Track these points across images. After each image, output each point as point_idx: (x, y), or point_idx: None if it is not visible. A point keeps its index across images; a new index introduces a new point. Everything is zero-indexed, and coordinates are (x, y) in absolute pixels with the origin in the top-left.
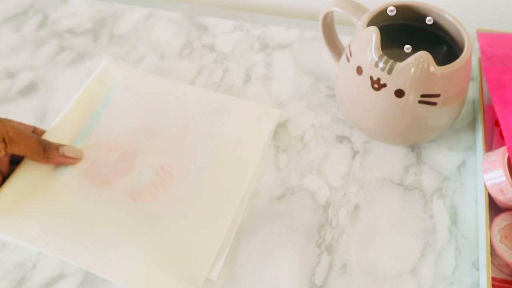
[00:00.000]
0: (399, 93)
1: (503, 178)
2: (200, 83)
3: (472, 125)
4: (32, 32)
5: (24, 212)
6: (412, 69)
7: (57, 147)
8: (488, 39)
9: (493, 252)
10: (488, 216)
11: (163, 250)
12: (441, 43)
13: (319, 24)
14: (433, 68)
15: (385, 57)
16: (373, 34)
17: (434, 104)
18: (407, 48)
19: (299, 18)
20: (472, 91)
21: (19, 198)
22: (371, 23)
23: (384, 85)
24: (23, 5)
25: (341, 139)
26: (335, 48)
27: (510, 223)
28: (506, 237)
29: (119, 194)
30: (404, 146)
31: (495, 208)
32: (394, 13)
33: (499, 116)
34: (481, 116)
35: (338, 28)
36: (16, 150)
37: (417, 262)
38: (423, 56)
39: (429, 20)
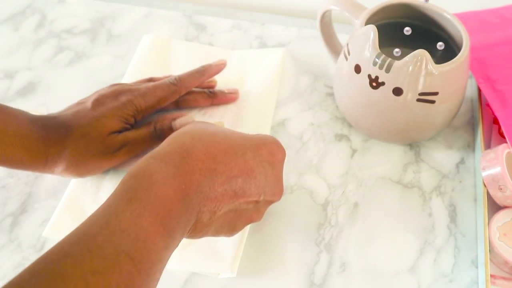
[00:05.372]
0: (397, 91)
1: (502, 176)
2: None
3: (471, 123)
4: (30, 32)
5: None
6: (410, 67)
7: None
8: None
9: (492, 250)
10: (486, 214)
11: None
12: (439, 41)
13: (317, 23)
14: (431, 66)
15: (383, 56)
16: (371, 32)
17: (432, 102)
18: (396, 51)
19: (298, 17)
20: (470, 89)
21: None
22: (369, 21)
23: (382, 84)
24: (21, 5)
25: (340, 137)
26: (333, 46)
27: (509, 221)
28: (505, 234)
29: None
30: (403, 144)
31: (494, 205)
32: (409, 33)
33: (487, 96)
34: (480, 114)
35: (336, 27)
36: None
37: (416, 260)
38: (421, 54)
39: (440, 46)
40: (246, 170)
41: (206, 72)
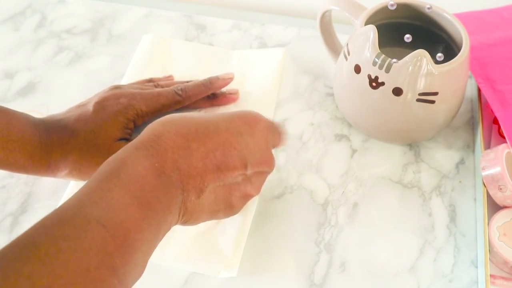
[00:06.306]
0: (397, 92)
1: (502, 176)
2: None
3: (470, 123)
4: (30, 32)
5: None
6: (410, 68)
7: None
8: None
9: (491, 250)
10: (486, 214)
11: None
12: (439, 41)
13: (317, 23)
14: (430, 67)
15: (383, 56)
16: (371, 32)
17: (432, 102)
18: (407, 37)
19: (297, 17)
20: (470, 89)
21: None
22: (368, 21)
23: (382, 84)
24: (21, 5)
25: (340, 137)
26: (333, 46)
27: (508, 221)
28: (504, 234)
29: None
30: (403, 145)
31: (493, 205)
32: (394, 7)
33: (487, 96)
34: (479, 114)
35: (336, 27)
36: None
37: (416, 260)
38: (421, 54)
39: (439, 57)
40: (221, 143)
41: (212, 85)
